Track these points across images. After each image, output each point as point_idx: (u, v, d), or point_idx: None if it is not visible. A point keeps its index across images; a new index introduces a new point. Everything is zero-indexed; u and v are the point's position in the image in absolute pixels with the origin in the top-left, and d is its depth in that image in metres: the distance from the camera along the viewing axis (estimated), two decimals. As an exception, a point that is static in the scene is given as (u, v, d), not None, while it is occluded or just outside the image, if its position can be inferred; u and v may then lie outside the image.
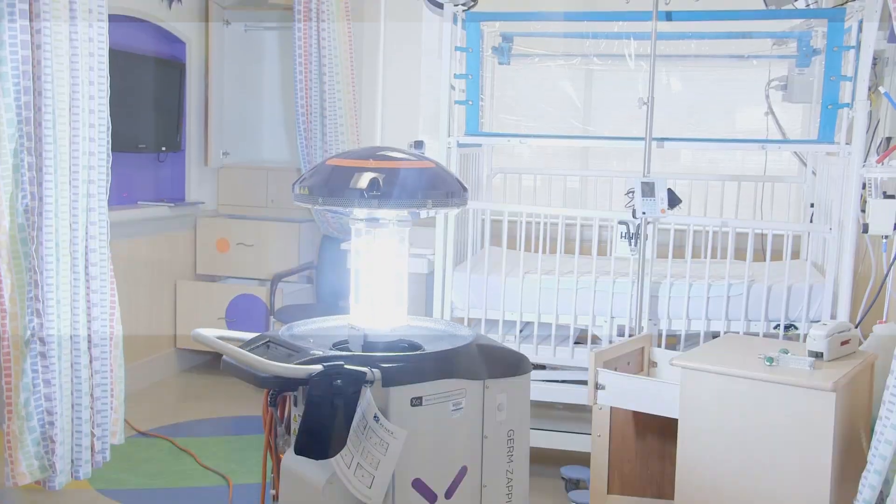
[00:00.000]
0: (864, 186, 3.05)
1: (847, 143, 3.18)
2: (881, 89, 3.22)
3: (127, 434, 3.46)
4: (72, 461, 3.08)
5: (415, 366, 1.86)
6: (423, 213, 1.93)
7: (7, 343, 2.87)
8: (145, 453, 3.70)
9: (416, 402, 1.83)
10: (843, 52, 3.24)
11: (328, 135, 4.69)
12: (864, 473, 2.28)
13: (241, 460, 3.66)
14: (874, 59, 3.20)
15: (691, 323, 3.39)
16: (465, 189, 1.97)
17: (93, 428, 3.15)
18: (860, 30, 3.13)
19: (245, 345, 2.00)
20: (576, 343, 3.51)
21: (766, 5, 3.70)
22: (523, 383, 2.03)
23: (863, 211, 3.05)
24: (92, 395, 3.14)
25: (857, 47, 3.14)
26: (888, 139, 3.46)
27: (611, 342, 3.37)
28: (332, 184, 1.87)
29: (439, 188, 1.91)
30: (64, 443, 3.01)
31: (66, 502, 3.17)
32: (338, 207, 1.87)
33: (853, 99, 3.17)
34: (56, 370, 2.95)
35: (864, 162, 3.12)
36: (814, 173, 3.95)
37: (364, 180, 1.84)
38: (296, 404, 1.99)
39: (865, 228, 2.84)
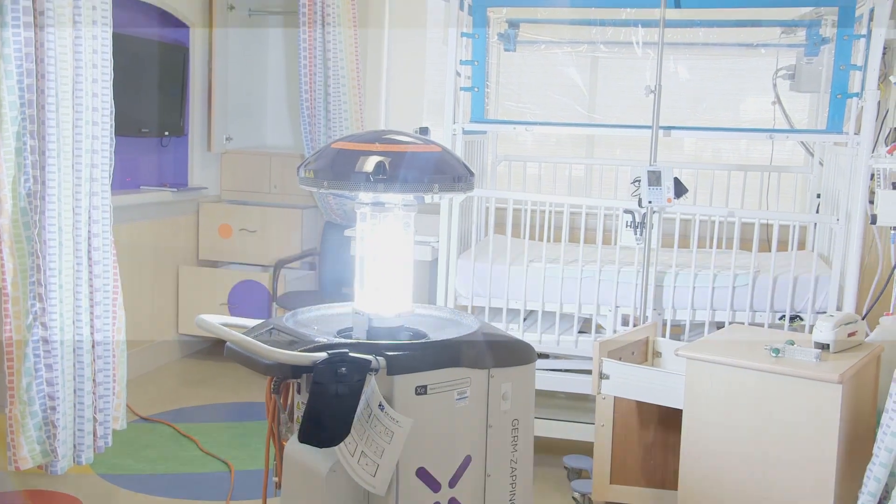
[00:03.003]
0: (872, 177, 3.03)
1: (856, 133, 3.15)
2: (891, 78, 3.20)
3: (129, 419, 3.46)
4: (74, 446, 3.08)
5: (420, 354, 1.84)
6: (430, 198, 1.91)
7: (9, 327, 2.86)
8: (147, 439, 3.70)
9: (421, 390, 1.82)
10: (853, 41, 3.21)
11: (332, 121, 4.67)
12: (869, 466, 2.27)
13: (243, 446, 3.66)
14: (884, 47, 3.17)
15: (696, 313, 3.37)
16: (471, 174, 1.95)
17: (95, 413, 3.15)
18: (871, 18, 3.10)
19: (249, 331, 1.99)
20: (580, 332, 3.50)
21: None
22: (528, 373, 2.02)
23: (871, 202, 3.03)
24: (94, 381, 3.13)
25: (868, 36, 3.11)
26: (897, 129, 3.44)
27: (615, 331, 3.36)
28: (337, 167, 1.85)
29: (446, 172, 1.89)
30: (66, 427, 3.01)
31: (69, 487, 3.17)
32: (343, 191, 1.84)
33: (863, 88, 3.14)
34: (58, 355, 2.94)
35: (873, 152, 3.09)
36: (821, 163, 3.93)
37: (370, 164, 1.81)
38: (299, 391, 1.97)
39: (874, 219, 2.82)
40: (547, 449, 3.43)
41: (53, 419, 2.95)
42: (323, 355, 1.73)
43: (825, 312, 3.17)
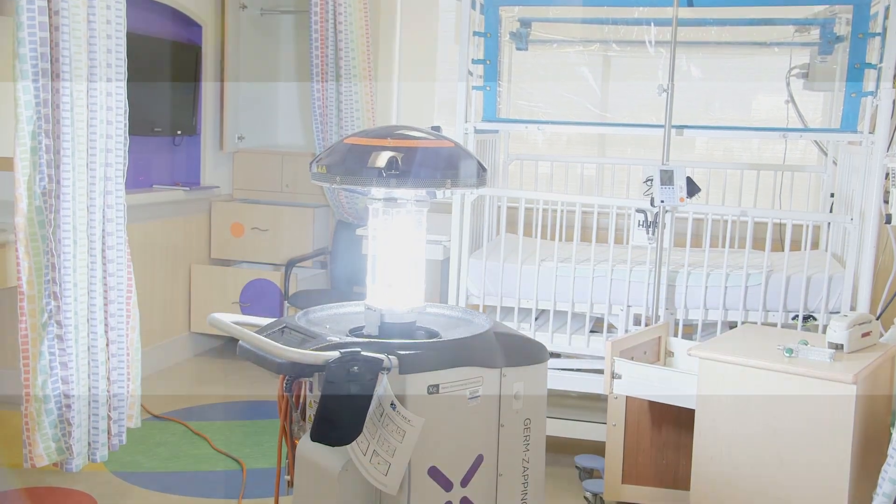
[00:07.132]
0: (887, 176, 3.01)
1: (870, 132, 3.13)
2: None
3: (142, 417, 3.48)
4: (89, 444, 3.10)
5: (432, 353, 1.84)
6: (442, 193, 1.91)
7: (25, 325, 2.88)
8: (160, 437, 3.72)
9: (433, 389, 1.82)
10: (868, 39, 3.19)
11: (344, 120, 4.68)
12: (884, 467, 2.25)
13: (255, 445, 3.67)
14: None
15: (708, 312, 3.36)
16: (484, 169, 1.94)
17: (109, 411, 3.17)
18: (886, 16, 3.08)
19: (261, 330, 2.00)
20: (591, 332, 3.49)
21: None
22: (540, 372, 2.02)
23: (885, 201, 3.01)
24: (108, 379, 3.15)
25: (883, 34, 3.09)
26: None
27: (627, 331, 3.35)
28: (349, 162, 1.85)
29: (458, 168, 1.89)
30: (81, 425, 3.03)
31: (83, 484, 3.19)
32: (355, 186, 1.84)
33: (877, 87, 3.12)
34: (73, 353, 2.96)
35: (888, 151, 3.07)
36: (835, 163, 3.90)
37: (382, 159, 1.81)
38: (311, 390, 1.98)
39: (888, 219, 2.81)
40: (559, 448, 3.43)
41: (69, 417, 2.97)
42: (335, 354, 1.73)
43: (839, 312, 3.15)
